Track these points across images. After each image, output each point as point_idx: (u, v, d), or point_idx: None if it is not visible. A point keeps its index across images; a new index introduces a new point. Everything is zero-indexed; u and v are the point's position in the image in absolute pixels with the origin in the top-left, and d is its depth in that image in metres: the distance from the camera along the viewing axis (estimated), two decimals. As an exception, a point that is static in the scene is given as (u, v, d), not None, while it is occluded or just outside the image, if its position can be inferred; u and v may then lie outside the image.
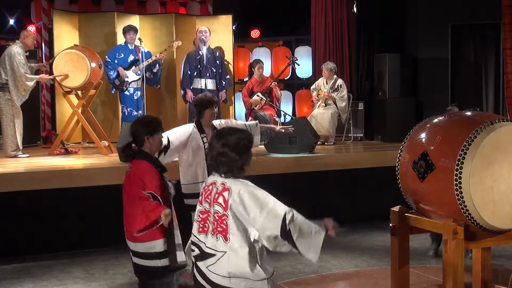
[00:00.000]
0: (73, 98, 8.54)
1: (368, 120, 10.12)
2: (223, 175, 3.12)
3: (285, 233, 2.98)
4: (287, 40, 12.06)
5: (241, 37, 11.88)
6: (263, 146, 7.96)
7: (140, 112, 8.78)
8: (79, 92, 8.57)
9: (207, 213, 3.13)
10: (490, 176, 3.68)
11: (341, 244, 6.82)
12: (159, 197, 3.77)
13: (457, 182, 3.63)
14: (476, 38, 9.99)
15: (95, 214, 6.52)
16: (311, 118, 9.04)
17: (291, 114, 10.61)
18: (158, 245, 3.82)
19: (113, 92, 9.11)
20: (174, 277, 3.96)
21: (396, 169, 4.15)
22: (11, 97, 7.62)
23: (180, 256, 3.90)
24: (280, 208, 3.01)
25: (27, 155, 7.90)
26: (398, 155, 4.15)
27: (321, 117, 9.11)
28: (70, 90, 8.40)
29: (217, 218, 3.06)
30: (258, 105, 9.13)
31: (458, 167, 3.63)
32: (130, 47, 8.86)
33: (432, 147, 3.87)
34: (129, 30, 8.86)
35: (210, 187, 3.14)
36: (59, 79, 8.07)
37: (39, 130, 9.81)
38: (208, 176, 3.32)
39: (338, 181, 7.78)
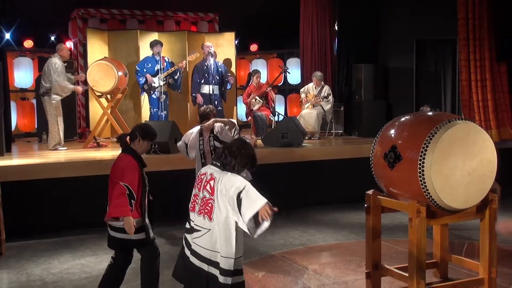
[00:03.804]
0: (103, 101, 8.56)
1: (347, 119, 10.10)
2: (216, 167, 3.17)
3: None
4: (280, 53, 12.06)
5: (242, 50, 11.87)
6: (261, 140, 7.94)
7: (164, 112, 8.76)
8: (108, 96, 8.57)
9: (196, 196, 3.21)
10: (447, 165, 3.68)
11: (325, 221, 6.85)
12: (133, 192, 3.70)
13: (420, 171, 3.64)
14: (437, 51, 9.97)
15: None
16: (300, 117, 9.04)
17: (283, 114, 10.59)
18: (136, 222, 3.75)
19: (142, 95, 9.08)
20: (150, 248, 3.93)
21: (370, 159, 4.16)
22: (50, 100, 7.64)
23: (151, 233, 3.88)
24: (259, 199, 2.98)
25: (66, 148, 7.90)
26: (372, 148, 4.15)
27: (308, 116, 9.12)
28: (101, 94, 8.43)
29: (204, 201, 3.13)
30: (256, 106, 9.12)
31: (421, 158, 3.64)
32: (156, 58, 8.80)
33: (400, 141, 3.87)
34: (156, 44, 8.84)
35: (202, 177, 3.22)
36: (90, 84, 8.12)
37: (76, 128, 9.83)
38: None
39: (322, 169, 7.78)
